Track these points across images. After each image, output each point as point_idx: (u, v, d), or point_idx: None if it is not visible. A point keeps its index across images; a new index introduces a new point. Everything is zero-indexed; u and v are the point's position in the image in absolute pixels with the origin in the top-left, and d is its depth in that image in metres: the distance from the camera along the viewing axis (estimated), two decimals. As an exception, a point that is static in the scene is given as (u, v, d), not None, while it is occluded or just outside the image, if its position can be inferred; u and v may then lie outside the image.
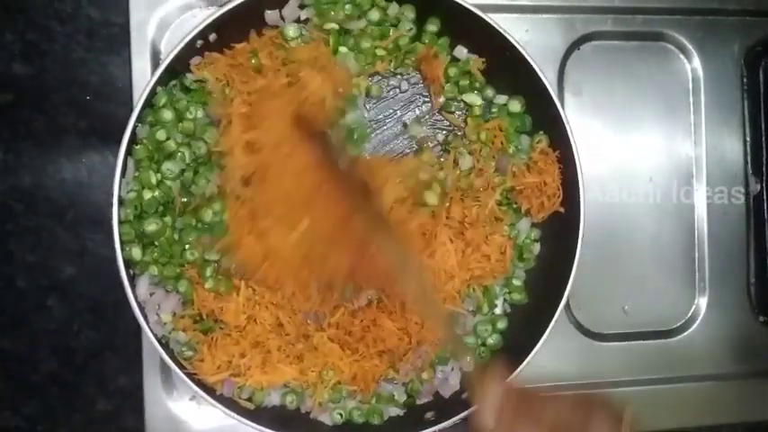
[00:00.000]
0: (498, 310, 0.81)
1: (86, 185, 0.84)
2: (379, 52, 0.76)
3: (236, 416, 0.71)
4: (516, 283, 0.80)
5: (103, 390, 0.84)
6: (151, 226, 0.71)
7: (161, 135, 0.73)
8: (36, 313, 0.83)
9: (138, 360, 0.81)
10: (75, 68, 0.83)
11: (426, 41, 0.78)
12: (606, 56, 0.89)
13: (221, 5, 0.72)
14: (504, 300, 0.82)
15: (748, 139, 0.93)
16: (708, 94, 0.91)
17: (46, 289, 0.83)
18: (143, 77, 0.79)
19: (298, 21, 0.76)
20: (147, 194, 0.72)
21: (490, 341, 0.78)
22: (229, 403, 0.73)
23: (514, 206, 0.80)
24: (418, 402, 0.78)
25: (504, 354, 0.77)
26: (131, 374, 0.82)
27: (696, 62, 0.91)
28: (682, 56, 0.91)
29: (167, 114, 0.73)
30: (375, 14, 0.76)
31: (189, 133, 0.74)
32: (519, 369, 0.71)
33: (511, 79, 0.79)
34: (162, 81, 0.73)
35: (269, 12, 0.75)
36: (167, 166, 0.73)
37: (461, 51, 0.79)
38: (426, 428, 0.73)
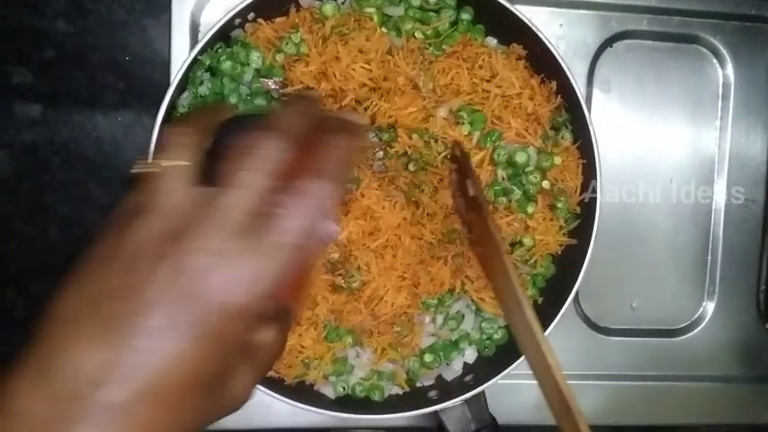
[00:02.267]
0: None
1: (121, 144, 0.86)
2: (418, 35, 0.77)
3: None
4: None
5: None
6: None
7: (228, 83, 0.74)
8: (67, 263, 0.86)
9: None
10: (116, 30, 0.85)
11: (461, 30, 0.78)
12: (638, 55, 0.89)
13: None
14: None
15: (773, 147, 0.93)
16: (737, 100, 0.91)
17: (78, 240, 0.86)
18: (182, 48, 0.82)
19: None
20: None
21: (496, 336, 0.80)
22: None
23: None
24: (419, 385, 0.80)
25: (509, 346, 0.79)
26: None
27: (729, 68, 0.91)
28: (714, 60, 0.91)
29: (226, 65, 0.74)
30: (416, 0, 0.76)
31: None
32: (521, 359, 0.73)
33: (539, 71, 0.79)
34: (202, 51, 0.74)
35: (304, -5, 0.76)
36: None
37: (491, 42, 0.79)
38: (428, 407, 0.76)
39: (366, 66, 0.73)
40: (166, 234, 0.42)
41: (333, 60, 0.73)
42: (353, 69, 0.73)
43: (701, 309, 0.93)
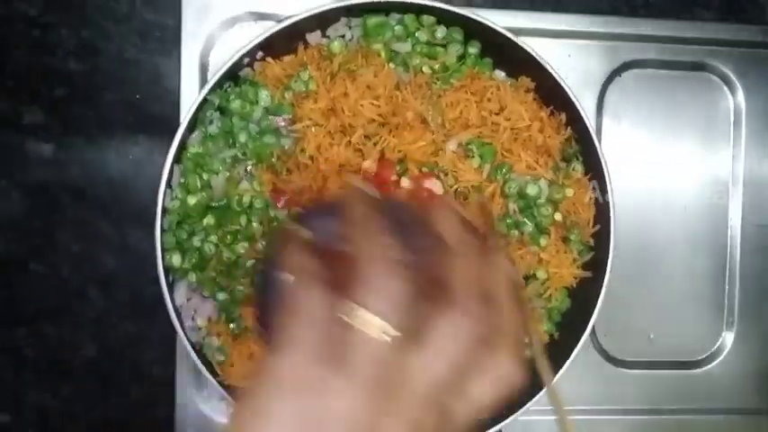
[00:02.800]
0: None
1: (132, 182, 0.87)
2: (426, 70, 0.77)
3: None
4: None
5: (138, 378, 0.87)
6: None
7: (237, 122, 0.75)
8: (78, 302, 0.87)
9: (173, 353, 0.84)
10: (127, 68, 0.86)
11: (469, 63, 0.78)
12: (647, 84, 0.89)
13: (275, 20, 0.74)
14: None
15: (787, 173, 0.92)
16: (749, 127, 0.91)
17: (88, 279, 0.86)
18: (192, 87, 0.82)
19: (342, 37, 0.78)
20: (192, 200, 0.74)
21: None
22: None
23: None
24: None
25: (528, 379, 0.78)
26: (166, 366, 0.86)
27: (739, 95, 0.90)
28: (725, 87, 0.91)
29: (235, 104, 0.74)
30: (423, 36, 0.77)
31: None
32: (540, 393, 0.72)
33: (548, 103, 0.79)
34: (212, 91, 0.75)
35: (310, 34, 0.77)
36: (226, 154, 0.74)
37: (499, 75, 0.79)
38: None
39: (374, 102, 0.74)
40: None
41: (341, 96, 0.74)
42: (362, 105, 0.73)
43: (720, 340, 0.91)
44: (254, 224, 0.74)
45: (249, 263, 0.74)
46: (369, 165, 0.73)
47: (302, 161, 0.74)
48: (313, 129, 0.74)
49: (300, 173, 0.74)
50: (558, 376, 0.74)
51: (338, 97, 0.74)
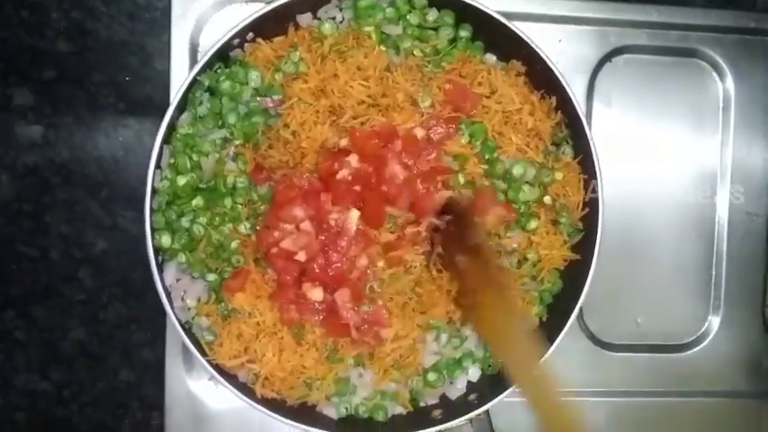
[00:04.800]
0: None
1: (122, 163, 0.86)
2: (417, 53, 0.77)
3: (248, 401, 0.74)
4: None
5: (127, 361, 0.88)
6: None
7: (226, 103, 0.74)
8: (67, 284, 0.86)
9: (162, 335, 0.85)
10: (117, 49, 0.86)
11: (460, 47, 0.78)
12: (638, 69, 0.90)
13: (265, 2, 0.74)
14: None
15: (775, 160, 0.93)
16: (738, 113, 0.91)
17: (78, 261, 0.86)
18: (182, 69, 0.82)
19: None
20: (181, 180, 0.74)
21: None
22: (244, 389, 0.75)
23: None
24: (422, 404, 0.80)
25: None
26: (155, 348, 0.86)
27: (728, 81, 0.91)
28: (714, 74, 0.91)
29: (225, 84, 0.74)
30: (414, 18, 0.77)
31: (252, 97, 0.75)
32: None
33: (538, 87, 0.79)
34: (202, 71, 0.74)
35: (301, 15, 0.76)
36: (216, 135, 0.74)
37: (490, 59, 0.79)
38: (432, 427, 0.75)
39: (364, 83, 0.74)
40: None
41: (331, 78, 0.74)
42: (351, 86, 0.73)
43: (707, 323, 0.92)
44: (239, 206, 0.74)
45: (234, 244, 0.74)
46: (345, 143, 0.74)
47: (284, 136, 0.74)
48: (302, 106, 0.74)
49: (281, 147, 0.75)
50: (545, 357, 0.74)
51: (328, 78, 0.74)
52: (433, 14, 0.77)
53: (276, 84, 0.75)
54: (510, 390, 0.75)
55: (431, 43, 0.77)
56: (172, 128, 0.74)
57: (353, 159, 0.73)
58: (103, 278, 0.87)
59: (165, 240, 0.74)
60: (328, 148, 0.74)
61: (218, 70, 0.75)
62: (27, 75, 0.85)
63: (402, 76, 0.74)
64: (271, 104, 0.75)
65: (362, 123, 0.74)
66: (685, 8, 0.89)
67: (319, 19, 0.77)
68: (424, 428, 0.75)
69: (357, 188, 0.74)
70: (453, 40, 0.79)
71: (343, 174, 0.73)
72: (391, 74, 0.75)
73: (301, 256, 0.73)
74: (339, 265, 0.73)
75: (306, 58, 0.74)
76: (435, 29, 0.78)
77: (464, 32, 0.78)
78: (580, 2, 0.86)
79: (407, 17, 0.77)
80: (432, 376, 0.78)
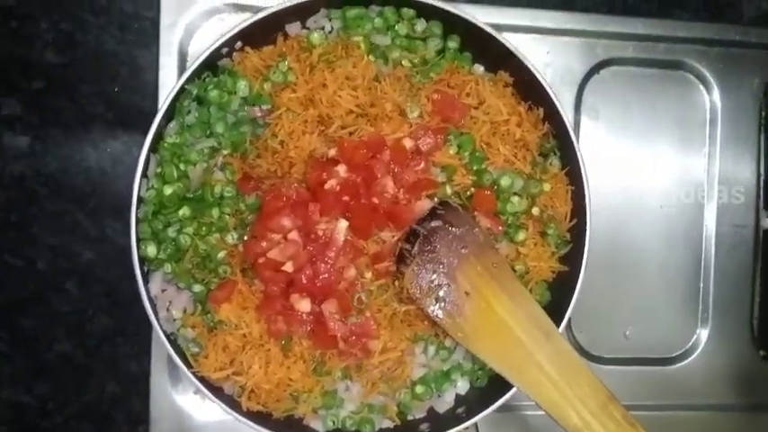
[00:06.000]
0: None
1: (110, 174, 0.86)
2: (405, 63, 0.77)
3: (234, 414, 0.73)
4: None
5: (113, 373, 0.87)
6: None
7: (214, 112, 0.74)
8: (54, 295, 0.86)
9: (149, 347, 0.84)
10: (106, 60, 0.86)
11: (448, 58, 0.79)
12: (625, 82, 0.90)
13: (254, 12, 0.74)
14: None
15: (762, 173, 0.93)
16: (725, 126, 0.92)
17: (65, 272, 0.86)
18: (170, 78, 0.82)
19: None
20: (168, 190, 0.73)
21: (488, 366, 0.79)
22: (230, 401, 0.75)
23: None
24: (410, 418, 0.79)
25: (502, 377, 0.78)
26: (141, 361, 0.85)
27: (715, 94, 0.91)
28: (701, 86, 0.92)
29: (213, 93, 0.74)
30: (403, 29, 0.77)
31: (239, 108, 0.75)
32: (513, 390, 0.72)
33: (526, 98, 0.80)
34: (190, 80, 0.74)
35: (290, 25, 0.77)
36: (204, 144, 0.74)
37: (478, 69, 0.80)
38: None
39: (353, 92, 0.74)
40: None
41: (320, 87, 0.74)
42: (340, 96, 0.73)
43: (695, 336, 0.92)
44: (227, 216, 0.74)
45: (221, 255, 0.74)
46: (333, 153, 0.74)
47: (272, 145, 0.74)
48: (290, 115, 0.74)
49: (269, 156, 0.74)
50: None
51: (317, 88, 0.74)
52: (421, 25, 0.78)
53: (264, 93, 0.75)
54: (499, 403, 0.74)
55: (419, 54, 0.77)
56: (159, 137, 0.74)
57: (342, 169, 0.73)
58: (90, 289, 0.86)
59: (151, 250, 0.73)
60: (316, 157, 0.74)
61: (207, 79, 0.75)
62: (16, 85, 0.85)
63: (390, 86, 0.75)
64: (259, 114, 0.75)
65: (351, 133, 0.74)
66: (672, 21, 0.90)
67: (308, 28, 0.77)
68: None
69: (345, 198, 0.73)
70: (441, 51, 0.79)
71: (331, 184, 0.73)
72: (380, 84, 0.75)
73: (289, 267, 0.72)
74: (327, 275, 0.73)
75: (294, 68, 0.75)
76: (424, 39, 0.78)
77: (452, 43, 0.79)
78: (568, 14, 0.87)
79: (396, 27, 0.77)
80: (420, 389, 0.77)
